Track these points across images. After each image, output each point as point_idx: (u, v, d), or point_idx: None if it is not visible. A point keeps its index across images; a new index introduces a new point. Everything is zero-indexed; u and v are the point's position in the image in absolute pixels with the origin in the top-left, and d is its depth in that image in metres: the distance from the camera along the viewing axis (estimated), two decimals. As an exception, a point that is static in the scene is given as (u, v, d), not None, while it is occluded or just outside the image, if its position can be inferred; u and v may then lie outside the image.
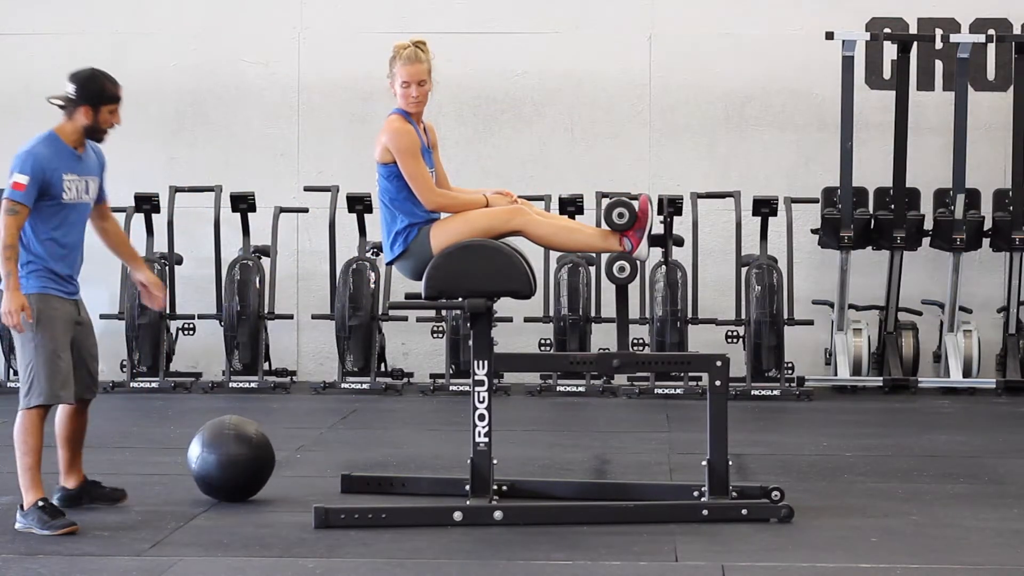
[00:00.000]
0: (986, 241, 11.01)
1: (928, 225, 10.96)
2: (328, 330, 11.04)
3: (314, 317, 11.16)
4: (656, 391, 10.62)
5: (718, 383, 6.51)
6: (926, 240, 10.99)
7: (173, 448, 7.98)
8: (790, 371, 10.76)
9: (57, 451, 6.62)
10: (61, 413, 6.56)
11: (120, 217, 10.77)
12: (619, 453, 8.42)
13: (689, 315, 10.76)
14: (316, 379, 11.10)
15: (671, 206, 10.48)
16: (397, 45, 6.72)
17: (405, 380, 11.04)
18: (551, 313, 10.86)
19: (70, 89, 6.37)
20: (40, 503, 6.23)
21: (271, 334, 11.11)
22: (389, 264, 6.68)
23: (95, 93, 6.36)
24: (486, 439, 6.48)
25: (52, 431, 6.64)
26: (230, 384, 10.84)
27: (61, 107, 6.40)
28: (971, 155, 10.77)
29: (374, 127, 11.34)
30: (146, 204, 10.91)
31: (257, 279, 10.87)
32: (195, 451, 6.81)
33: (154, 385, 10.78)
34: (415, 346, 11.52)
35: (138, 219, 10.94)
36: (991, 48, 11.33)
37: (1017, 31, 11.29)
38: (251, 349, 10.83)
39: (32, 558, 5.83)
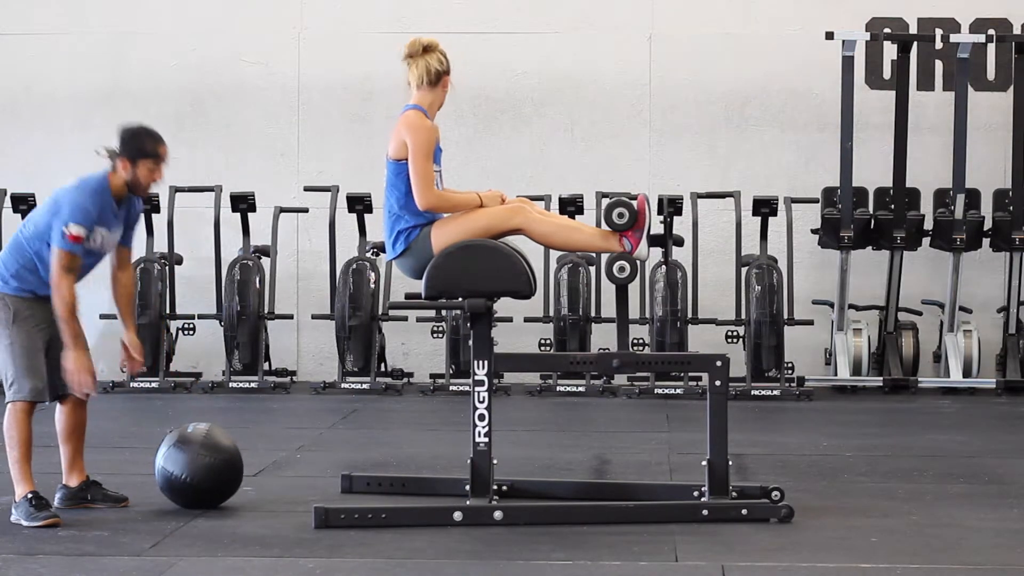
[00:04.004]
0: (986, 241, 11.02)
1: (928, 225, 10.96)
2: (328, 330, 11.05)
3: (314, 317, 11.17)
4: (656, 391, 10.62)
5: (718, 383, 6.51)
6: (926, 240, 11.00)
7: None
8: (790, 371, 10.76)
9: (59, 449, 6.62)
10: (59, 410, 6.55)
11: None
12: (619, 453, 8.42)
13: (689, 315, 10.77)
14: (316, 379, 11.10)
15: (671, 206, 10.49)
16: (438, 43, 6.63)
17: (405, 380, 11.05)
18: (551, 313, 10.87)
19: (116, 141, 6.43)
20: (29, 495, 6.30)
21: (271, 334, 11.12)
22: (391, 261, 6.68)
23: (134, 148, 6.40)
24: (486, 439, 6.47)
25: (54, 431, 6.66)
26: (230, 384, 10.84)
27: (109, 158, 6.45)
28: (971, 155, 10.77)
29: (374, 127, 11.41)
30: (146, 204, 10.89)
31: (257, 279, 10.88)
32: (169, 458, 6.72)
33: (154, 385, 10.78)
34: (415, 346, 11.52)
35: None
36: (991, 48, 11.34)
37: (1017, 31, 11.30)
38: (251, 349, 10.83)
39: (32, 558, 5.82)
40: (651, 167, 11.62)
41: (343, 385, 10.81)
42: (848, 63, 10.75)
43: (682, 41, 11.62)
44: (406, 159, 6.49)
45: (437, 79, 6.62)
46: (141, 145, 6.39)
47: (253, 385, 10.81)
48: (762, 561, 5.80)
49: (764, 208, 10.73)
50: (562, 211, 10.69)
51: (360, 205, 10.86)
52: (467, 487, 6.50)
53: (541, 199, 10.76)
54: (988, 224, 11.00)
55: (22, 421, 6.33)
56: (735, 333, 10.79)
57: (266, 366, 10.98)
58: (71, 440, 6.55)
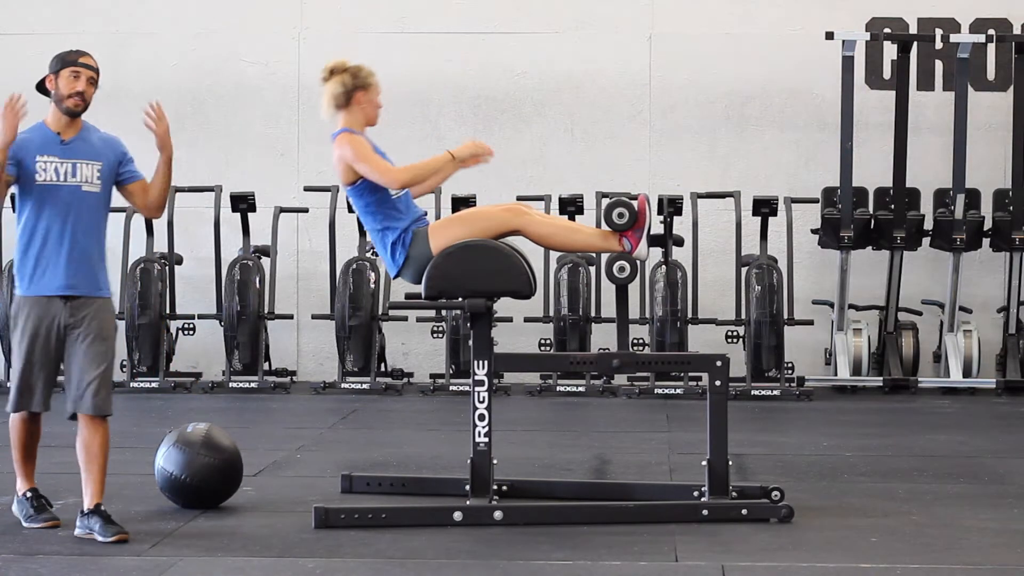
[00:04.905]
0: (986, 241, 11.01)
1: (928, 225, 10.96)
2: (328, 330, 11.05)
3: (314, 317, 11.17)
4: (656, 391, 10.62)
5: (718, 383, 6.51)
6: (926, 240, 11.00)
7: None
8: (790, 371, 10.76)
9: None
10: (78, 427, 6.25)
11: (120, 217, 10.80)
12: (619, 453, 8.42)
13: (689, 315, 10.77)
14: (316, 379, 11.10)
15: (671, 206, 10.49)
16: (343, 64, 6.64)
17: (405, 380, 11.05)
18: (551, 313, 10.86)
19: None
20: (28, 494, 6.28)
21: (271, 334, 11.12)
22: (396, 277, 6.62)
23: (56, 60, 6.34)
24: (486, 439, 6.48)
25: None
26: (230, 384, 10.84)
27: (48, 94, 6.35)
28: (971, 155, 10.77)
29: (374, 127, 11.38)
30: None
31: (257, 279, 10.88)
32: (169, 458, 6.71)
33: (154, 385, 10.78)
34: (415, 346, 11.52)
35: (138, 219, 10.94)
36: (991, 48, 11.34)
37: (1017, 31, 11.30)
38: (251, 349, 10.83)
39: (32, 558, 5.83)
40: (651, 167, 11.62)
41: (343, 385, 10.81)
42: (848, 63, 10.75)
43: (682, 41, 11.62)
44: (357, 179, 6.51)
45: (346, 100, 6.62)
46: (62, 57, 6.34)
47: (253, 385, 10.81)
48: (762, 561, 5.80)
49: (764, 208, 10.73)
50: (562, 211, 10.70)
51: (362, 205, 10.84)
52: (467, 487, 6.50)
53: (541, 199, 10.76)
54: (988, 224, 11.00)
55: (16, 428, 6.27)
56: (735, 333, 10.79)
57: (266, 366, 10.98)
58: (80, 459, 6.22)
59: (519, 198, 10.43)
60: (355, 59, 11.96)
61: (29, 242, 6.21)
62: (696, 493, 6.59)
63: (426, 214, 6.66)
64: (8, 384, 6.32)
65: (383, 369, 11.00)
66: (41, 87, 6.37)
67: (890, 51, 11.26)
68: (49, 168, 6.21)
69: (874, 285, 11.18)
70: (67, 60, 6.33)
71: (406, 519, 6.38)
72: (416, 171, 6.52)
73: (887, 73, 11.45)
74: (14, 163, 6.17)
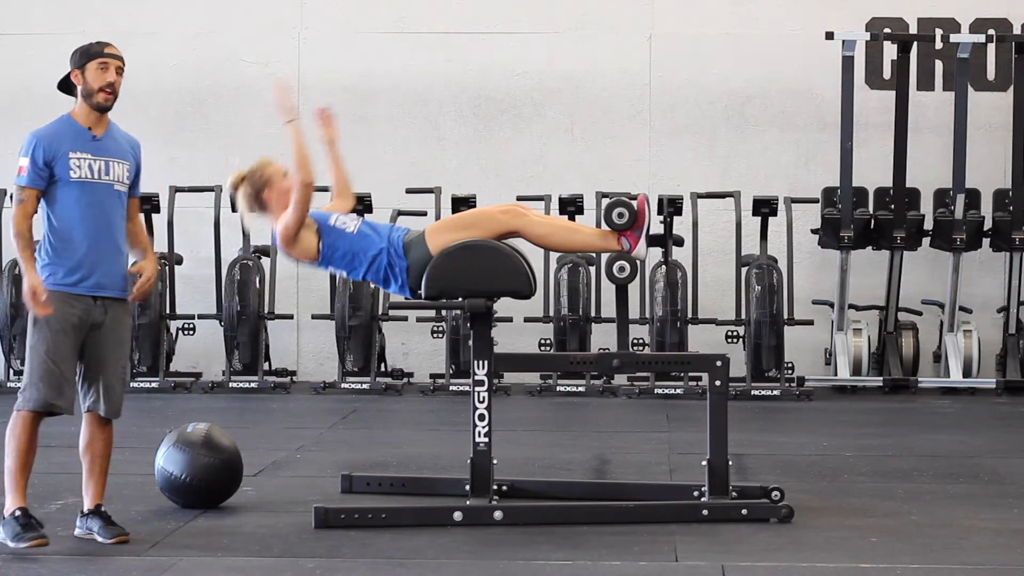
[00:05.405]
0: (986, 241, 11.02)
1: (928, 225, 10.97)
2: (328, 330, 11.05)
3: (314, 317, 11.17)
4: (656, 391, 10.62)
5: (718, 383, 6.51)
6: (926, 240, 11.00)
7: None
8: (790, 371, 10.76)
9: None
10: (83, 426, 6.20)
11: (120, 217, 10.80)
12: (619, 453, 8.42)
13: (689, 315, 10.77)
14: (316, 379, 11.11)
15: (671, 206, 10.49)
16: (239, 175, 6.82)
17: (405, 380, 11.05)
18: (551, 313, 10.86)
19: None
20: (16, 512, 5.95)
21: (271, 334, 11.12)
22: (413, 294, 6.56)
23: (80, 54, 6.21)
24: (486, 439, 6.47)
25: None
26: (230, 384, 10.84)
27: (70, 92, 6.22)
28: (971, 155, 10.78)
29: (374, 127, 11.40)
30: (146, 204, 10.85)
31: (257, 279, 10.88)
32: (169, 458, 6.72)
33: (154, 385, 10.78)
34: (415, 346, 11.52)
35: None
36: (991, 48, 11.34)
37: (1017, 31, 11.30)
38: (251, 349, 10.83)
39: (32, 558, 5.82)
40: (651, 167, 11.62)
41: (343, 385, 10.81)
42: (848, 63, 10.75)
43: (682, 41, 11.62)
44: (317, 252, 6.51)
45: (260, 204, 6.68)
46: (86, 50, 6.22)
47: (253, 385, 10.81)
48: (762, 561, 5.80)
49: (764, 208, 10.73)
50: (562, 211, 10.70)
51: (360, 205, 10.84)
52: (467, 487, 6.50)
53: (541, 199, 10.76)
54: (988, 224, 11.00)
55: (24, 430, 5.97)
56: (735, 333, 10.79)
57: (266, 366, 10.98)
58: (84, 459, 6.15)
59: (519, 198, 10.43)
60: (353, 59, 12.01)
61: (59, 237, 6.00)
62: (696, 493, 6.59)
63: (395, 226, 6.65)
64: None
65: (383, 369, 11.00)
66: (64, 85, 6.24)
67: (890, 51, 11.27)
68: (83, 165, 6.07)
69: (874, 285, 11.18)
70: (92, 53, 6.23)
71: (406, 519, 6.37)
72: (296, 159, 6.65)
73: (887, 73, 11.46)
74: (46, 168, 6.03)
